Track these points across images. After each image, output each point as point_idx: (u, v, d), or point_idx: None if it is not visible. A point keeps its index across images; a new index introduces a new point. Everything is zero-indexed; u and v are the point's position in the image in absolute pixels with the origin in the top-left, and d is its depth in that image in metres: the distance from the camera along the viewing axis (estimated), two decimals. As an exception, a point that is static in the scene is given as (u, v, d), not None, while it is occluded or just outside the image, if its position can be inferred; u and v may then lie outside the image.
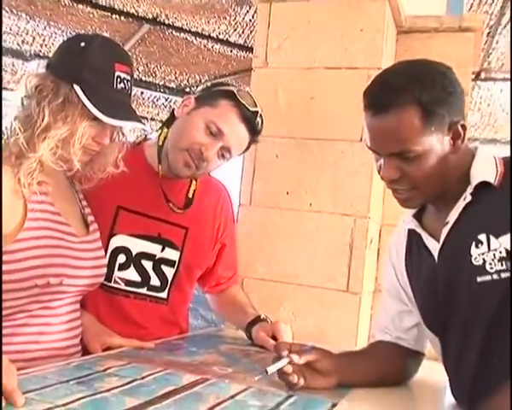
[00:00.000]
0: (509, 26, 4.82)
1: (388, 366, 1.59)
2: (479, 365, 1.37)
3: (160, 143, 1.91)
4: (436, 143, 1.35)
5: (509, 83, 5.63)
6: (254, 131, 1.89)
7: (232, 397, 1.30)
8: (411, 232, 1.53)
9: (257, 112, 1.87)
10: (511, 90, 5.10)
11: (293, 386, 1.39)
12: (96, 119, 1.49)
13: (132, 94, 1.62)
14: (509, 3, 4.01)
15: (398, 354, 1.60)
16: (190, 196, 1.99)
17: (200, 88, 6.28)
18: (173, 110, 1.96)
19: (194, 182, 2.00)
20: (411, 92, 1.32)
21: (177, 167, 1.87)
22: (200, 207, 2.02)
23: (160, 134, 1.93)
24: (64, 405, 1.11)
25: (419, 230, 1.49)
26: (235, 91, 1.85)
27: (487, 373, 1.32)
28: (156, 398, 1.22)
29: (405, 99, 1.32)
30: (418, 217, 1.52)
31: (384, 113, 1.35)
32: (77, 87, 1.48)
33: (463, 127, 1.37)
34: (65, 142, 1.49)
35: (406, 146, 1.34)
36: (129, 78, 1.56)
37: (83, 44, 1.54)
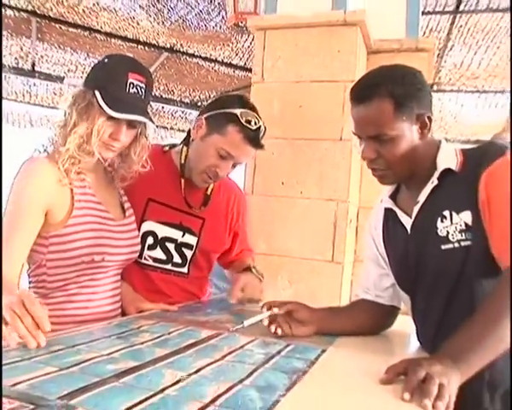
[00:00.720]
0: (454, 48, 4.82)
1: (368, 318, 1.58)
2: (442, 316, 1.37)
3: (182, 162, 1.88)
4: (406, 130, 1.34)
5: (456, 94, 5.64)
6: (258, 145, 1.80)
7: (242, 347, 1.29)
8: (388, 210, 1.51)
9: (259, 127, 1.78)
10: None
11: (275, 335, 1.40)
12: (110, 117, 1.47)
13: (150, 101, 1.59)
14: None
15: (377, 309, 1.59)
16: (208, 193, 1.95)
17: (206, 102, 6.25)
18: (189, 130, 1.91)
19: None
20: (386, 87, 1.32)
21: (197, 183, 1.86)
22: (215, 202, 1.98)
23: (181, 152, 1.89)
24: (108, 354, 1.12)
25: (394, 208, 1.48)
26: (239, 115, 1.75)
27: (448, 323, 1.31)
28: (180, 349, 1.22)
29: (381, 92, 1.32)
30: (394, 197, 1.51)
31: (366, 102, 1.34)
32: (97, 92, 1.47)
33: (429, 119, 1.36)
34: (88, 137, 1.48)
35: (382, 130, 1.33)
36: (142, 85, 1.51)
37: (106, 61, 1.54)
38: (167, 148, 1.98)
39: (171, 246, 1.90)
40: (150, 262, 1.87)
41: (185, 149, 1.89)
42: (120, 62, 1.54)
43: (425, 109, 1.35)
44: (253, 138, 1.77)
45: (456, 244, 1.30)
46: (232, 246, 2.09)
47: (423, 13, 4.02)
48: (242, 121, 1.74)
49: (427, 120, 1.35)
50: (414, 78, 1.37)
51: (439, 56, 4.86)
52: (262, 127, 1.79)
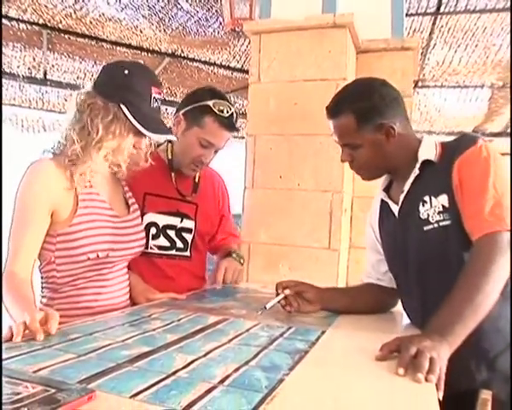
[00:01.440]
0: (436, 47, 4.81)
1: (372, 299, 1.62)
2: (427, 292, 1.40)
3: (170, 157, 1.93)
4: (371, 138, 1.43)
5: (439, 89, 5.63)
6: (233, 128, 1.87)
7: (247, 331, 1.29)
8: (382, 201, 1.57)
9: (232, 113, 1.84)
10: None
11: (288, 312, 1.50)
12: (138, 132, 1.45)
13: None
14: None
15: (380, 291, 1.62)
16: (197, 181, 2.01)
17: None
18: (170, 128, 1.92)
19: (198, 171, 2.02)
20: (350, 104, 1.43)
21: (187, 173, 1.93)
22: (204, 189, 2.04)
23: (167, 149, 1.94)
24: (122, 341, 1.12)
25: (386, 199, 1.54)
26: (212, 105, 1.81)
27: (433, 298, 1.31)
28: (189, 334, 1.22)
29: (345, 109, 1.43)
30: (387, 190, 1.57)
31: (335, 118, 1.47)
32: (123, 106, 1.43)
33: (392, 128, 1.42)
34: (115, 151, 1.47)
35: (348, 140, 1.46)
36: (161, 97, 1.52)
37: (126, 72, 1.47)
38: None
39: (172, 233, 1.93)
40: (156, 251, 1.89)
41: (170, 145, 1.95)
42: (143, 76, 1.51)
43: (388, 119, 1.42)
44: (228, 124, 1.84)
45: (436, 225, 1.35)
46: (218, 229, 2.13)
47: (407, 15, 4.02)
48: (216, 111, 1.81)
49: (390, 129, 1.42)
50: (375, 92, 1.44)
51: (422, 55, 4.86)
52: (234, 113, 1.86)
